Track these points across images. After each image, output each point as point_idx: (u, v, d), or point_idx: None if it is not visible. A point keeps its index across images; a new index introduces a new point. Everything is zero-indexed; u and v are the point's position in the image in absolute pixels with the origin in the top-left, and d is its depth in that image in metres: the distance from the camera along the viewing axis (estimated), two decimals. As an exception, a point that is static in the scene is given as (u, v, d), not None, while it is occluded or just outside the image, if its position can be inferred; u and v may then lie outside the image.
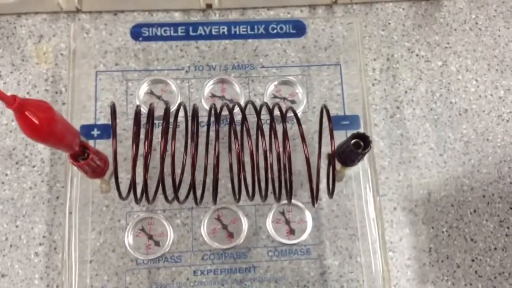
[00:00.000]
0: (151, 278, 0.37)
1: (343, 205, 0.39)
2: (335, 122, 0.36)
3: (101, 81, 0.40)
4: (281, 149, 0.30)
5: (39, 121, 0.25)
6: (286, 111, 0.32)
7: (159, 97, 0.39)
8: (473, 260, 0.39)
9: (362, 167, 0.38)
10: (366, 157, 0.38)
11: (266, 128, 0.32)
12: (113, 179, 0.32)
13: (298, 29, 0.41)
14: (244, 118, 0.31)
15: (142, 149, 0.30)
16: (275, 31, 0.41)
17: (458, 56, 0.44)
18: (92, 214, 0.38)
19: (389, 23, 0.45)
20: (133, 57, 0.41)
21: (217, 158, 0.29)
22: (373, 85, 0.43)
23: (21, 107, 0.24)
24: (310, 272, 0.38)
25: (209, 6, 0.44)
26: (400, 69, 0.44)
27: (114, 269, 0.37)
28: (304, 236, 0.37)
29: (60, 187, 0.39)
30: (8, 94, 0.43)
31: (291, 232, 0.37)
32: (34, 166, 0.40)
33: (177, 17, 0.44)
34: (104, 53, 0.41)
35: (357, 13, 0.45)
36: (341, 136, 0.37)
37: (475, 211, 0.40)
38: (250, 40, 0.41)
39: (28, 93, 0.41)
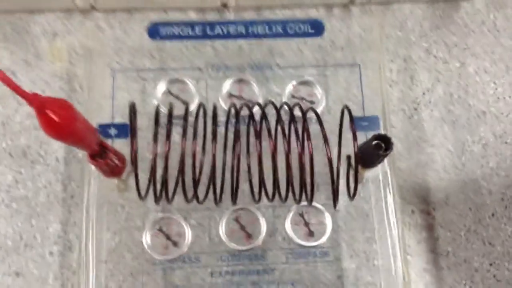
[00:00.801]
0: (167, 279, 0.36)
1: (360, 208, 0.38)
2: (355, 123, 0.36)
3: (117, 80, 0.40)
4: (302, 150, 0.29)
5: (60, 120, 0.24)
6: (307, 111, 0.31)
7: (177, 97, 0.39)
8: (491, 264, 0.39)
9: (381, 169, 0.38)
10: (386, 159, 0.38)
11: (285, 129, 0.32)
12: (130, 179, 0.31)
13: (316, 28, 0.41)
14: (264, 118, 0.30)
15: (158, 149, 0.30)
16: (292, 30, 0.41)
17: (476, 57, 0.44)
18: (107, 214, 0.37)
19: (407, 24, 0.44)
20: (149, 56, 0.40)
21: (238, 158, 0.28)
22: (390, 86, 0.43)
23: (42, 106, 0.24)
24: (327, 275, 0.37)
25: (224, 5, 0.43)
26: (417, 70, 0.43)
27: (130, 270, 0.36)
28: (324, 238, 0.37)
29: (75, 186, 0.39)
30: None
31: (310, 234, 0.37)
32: (48, 165, 0.39)
33: (192, 16, 0.44)
34: (120, 52, 0.41)
35: (374, 14, 0.44)
36: (360, 137, 0.37)
37: (493, 214, 0.40)
38: (267, 40, 0.41)
39: (43, 91, 0.41)
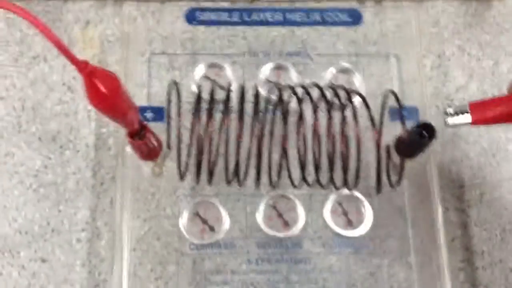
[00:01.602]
0: (197, 266, 0.35)
1: (394, 204, 0.38)
2: (392, 114, 0.35)
3: (152, 68, 0.40)
4: (349, 133, 0.29)
5: (107, 90, 0.24)
6: (352, 94, 0.31)
7: (214, 81, 0.38)
8: (527, 265, 0.38)
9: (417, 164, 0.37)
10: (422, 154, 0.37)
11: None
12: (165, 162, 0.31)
13: (354, 17, 0.41)
14: (309, 95, 0.30)
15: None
16: (330, 18, 0.41)
17: (510, 56, 0.43)
18: (137, 202, 0.37)
19: (440, 21, 0.44)
20: (186, 42, 0.40)
21: (283, 139, 0.28)
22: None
23: (91, 74, 0.24)
24: (359, 270, 0.36)
25: (257, -3, 0.44)
26: (451, 67, 0.43)
27: (158, 258, 0.36)
28: (364, 228, 0.36)
29: (105, 173, 0.38)
30: (54, 78, 0.42)
31: (349, 223, 0.36)
32: (78, 151, 0.39)
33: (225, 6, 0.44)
34: (155, 40, 0.40)
35: (407, 9, 0.44)
36: (397, 128, 0.36)
37: (529, 214, 0.39)
38: (304, 28, 0.41)
39: (74, 77, 0.41)
